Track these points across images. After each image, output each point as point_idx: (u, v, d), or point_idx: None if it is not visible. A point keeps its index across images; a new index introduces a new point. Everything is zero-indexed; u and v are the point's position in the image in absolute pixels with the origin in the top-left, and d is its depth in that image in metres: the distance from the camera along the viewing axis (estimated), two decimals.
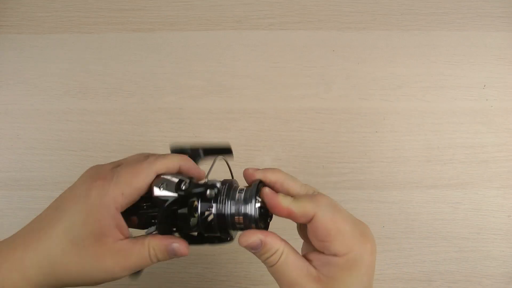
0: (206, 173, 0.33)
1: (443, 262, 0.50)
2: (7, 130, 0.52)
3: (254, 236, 0.30)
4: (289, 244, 0.31)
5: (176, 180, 0.31)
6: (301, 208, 0.30)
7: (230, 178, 0.34)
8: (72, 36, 0.55)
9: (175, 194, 0.30)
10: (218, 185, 0.31)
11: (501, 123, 0.53)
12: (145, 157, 0.32)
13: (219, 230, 0.31)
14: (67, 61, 0.54)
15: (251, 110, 0.53)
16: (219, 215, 0.30)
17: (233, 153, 0.35)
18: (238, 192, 0.31)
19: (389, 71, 0.54)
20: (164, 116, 0.52)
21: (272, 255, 0.30)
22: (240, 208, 0.30)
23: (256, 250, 0.30)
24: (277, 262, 0.30)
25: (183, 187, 0.30)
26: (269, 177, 0.32)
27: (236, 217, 0.30)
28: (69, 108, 0.53)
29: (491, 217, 0.51)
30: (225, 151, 0.35)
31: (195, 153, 0.35)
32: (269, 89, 0.53)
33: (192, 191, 0.31)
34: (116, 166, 0.32)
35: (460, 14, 0.56)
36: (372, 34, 0.55)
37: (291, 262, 0.30)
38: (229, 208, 0.30)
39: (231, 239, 0.33)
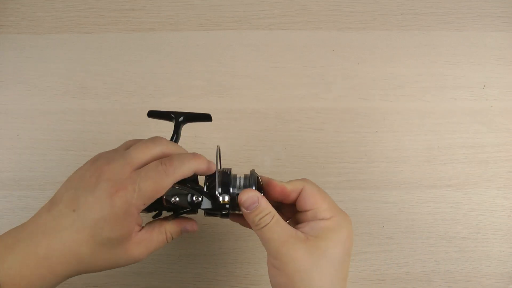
0: (216, 165, 0.37)
1: (443, 262, 0.50)
2: (7, 130, 0.52)
3: (252, 193, 0.34)
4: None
5: (187, 194, 0.35)
6: (292, 185, 0.36)
7: (227, 168, 0.38)
8: (72, 36, 0.55)
9: (186, 206, 0.35)
10: (227, 198, 0.35)
11: (501, 123, 0.53)
12: (164, 166, 0.34)
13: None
14: (67, 61, 0.54)
15: (251, 110, 0.53)
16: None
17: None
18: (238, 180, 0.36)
19: (389, 71, 0.54)
20: None
21: (265, 215, 0.34)
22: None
23: (252, 206, 0.34)
24: (269, 222, 0.33)
25: (195, 201, 0.35)
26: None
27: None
28: (69, 108, 0.53)
29: (491, 217, 0.51)
30: (206, 117, 0.40)
31: (178, 118, 0.40)
32: (269, 89, 0.53)
33: (204, 208, 0.36)
34: (128, 162, 0.34)
35: (460, 14, 0.56)
36: (372, 34, 0.55)
37: (282, 224, 0.34)
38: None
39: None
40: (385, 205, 0.51)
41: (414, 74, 0.54)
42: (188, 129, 0.52)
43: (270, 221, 0.33)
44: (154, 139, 0.36)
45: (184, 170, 0.34)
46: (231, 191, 0.36)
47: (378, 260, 0.50)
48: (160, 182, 0.33)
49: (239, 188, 0.36)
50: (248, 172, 0.38)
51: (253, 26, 0.55)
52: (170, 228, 0.36)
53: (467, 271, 0.50)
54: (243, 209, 0.34)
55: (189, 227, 0.37)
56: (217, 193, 0.35)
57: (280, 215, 0.35)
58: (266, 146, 0.52)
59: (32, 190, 0.51)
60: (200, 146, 0.52)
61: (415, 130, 0.52)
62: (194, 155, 0.36)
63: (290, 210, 0.38)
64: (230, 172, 0.37)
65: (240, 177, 0.37)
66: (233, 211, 0.36)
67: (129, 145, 0.37)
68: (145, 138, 0.52)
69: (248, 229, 0.48)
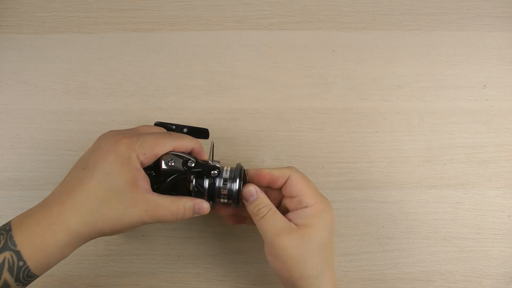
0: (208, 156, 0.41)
1: (443, 262, 0.50)
2: (7, 130, 0.52)
3: (251, 187, 0.39)
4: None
5: (183, 158, 0.38)
6: (279, 172, 0.40)
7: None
8: (72, 36, 0.55)
9: (181, 169, 0.37)
10: (218, 165, 0.39)
11: (501, 123, 0.53)
12: (168, 133, 0.39)
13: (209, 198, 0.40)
14: (67, 61, 0.54)
15: (251, 110, 0.53)
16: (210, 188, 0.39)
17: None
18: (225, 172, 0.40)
19: (389, 71, 0.54)
20: (164, 116, 0.52)
21: (263, 206, 0.38)
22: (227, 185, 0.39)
23: (251, 198, 0.39)
24: (267, 213, 0.38)
25: (190, 165, 0.38)
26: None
27: (222, 190, 0.39)
28: (69, 108, 0.53)
29: (491, 217, 0.51)
30: (203, 132, 0.45)
31: (179, 131, 0.44)
32: (269, 89, 0.54)
33: (195, 169, 0.38)
34: (134, 131, 0.38)
35: (460, 14, 0.56)
36: (372, 34, 0.55)
37: (278, 216, 0.38)
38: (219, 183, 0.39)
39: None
40: (385, 205, 0.51)
41: (414, 74, 0.54)
42: None
43: (267, 213, 0.38)
44: (157, 126, 0.42)
45: (182, 142, 0.38)
46: (217, 181, 0.39)
47: (378, 260, 0.50)
48: (161, 140, 0.37)
49: (225, 179, 0.39)
50: (234, 166, 0.41)
51: (253, 26, 0.55)
52: (184, 201, 0.37)
53: (467, 271, 0.50)
54: (244, 201, 0.40)
55: (202, 208, 0.38)
56: (209, 161, 0.40)
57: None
58: (266, 146, 0.52)
59: (32, 190, 0.51)
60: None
61: (415, 130, 0.52)
62: (193, 138, 0.40)
63: (277, 196, 0.42)
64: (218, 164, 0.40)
65: (226, 169, 0.40)
66: (218, 198, 0.40)
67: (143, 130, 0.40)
68: None
69: (248, 229, 0.48)
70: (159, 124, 0.44)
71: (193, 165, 0.38)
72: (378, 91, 0.53)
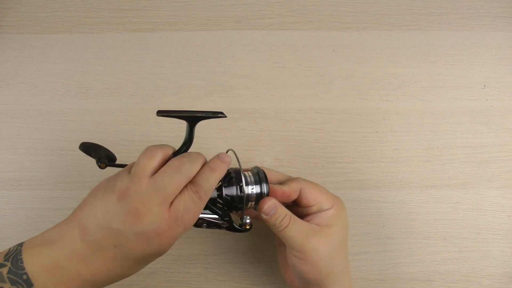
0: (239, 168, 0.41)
1: (443, 262, 0.50)
2: (7, 130, 0.52)
3: (270, 201, 0.39)
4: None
5: (214, 223, 0.39)
6: (289, 187, 0.40)
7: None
8: (72, 36, 0.55)
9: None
10: (248, 221, 0.40)
11: (501, 123, 0.53)
12: (195, 192, 0.35)
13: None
14: (67, 61, 0.54)
15: (251, 110, 0.53)
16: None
17: (213, 120, 0.41)
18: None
19: (389, 71, 0.54)
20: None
21: (284, 218, 0.38)
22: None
23: (271, 211, 0.38)
24: (289, 223, 0.38)
25: (221, 225, 0.40)
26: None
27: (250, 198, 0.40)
28: (69, 108, 0.53)
29: (491, 217, 0.51)
30: (219, 114, 0.39)
31: (191, 120, 0.40)
32: (269, 89, 0.53)
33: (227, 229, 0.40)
34: (167, 200, 0.34)
35: (460, 14, 0.56)
36: (372, 34, 0.55)
37: (299, 222, 0.39)
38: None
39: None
40: (385, 205, 0.51)
41: (414, 74, 0.54)
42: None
43: (289, 221, 0.38)
44: (176, 163, 0.36)
45: (212, 189, 0.36)
46: (246, 190, 0.39)
47: (378, 260, 0.50)
48: (198, 211, 0.36)
49: (251, 183, 0.40)
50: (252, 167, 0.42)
51: (253, 26, 0.55)
52: None
53: (467, 271, 0.50)
54: (263, 216, 0.39)
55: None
56: (244, 220, 0.40)
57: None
58: (266, 146, 0.52)
59: (32, 190, 0.51)
60: (200, 146, 0.52)
61: (415, 130, 0.52)
62: (212, 169, 0.37)
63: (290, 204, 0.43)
64: (241, 173, 0.40)
65: (249, 175, 0.40)
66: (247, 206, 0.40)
67: (154, 158, 0.36)
68: (145, 138, 0.52)
69: None
70: (162, 112, 0.40)
71: (223, 226, 0.39)
72: (378, 91, 0.53)
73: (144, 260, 0.35)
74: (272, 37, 0.55)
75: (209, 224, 0.39)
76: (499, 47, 0.55)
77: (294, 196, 0.40)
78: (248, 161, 0.51)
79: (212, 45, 0.55)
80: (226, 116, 0.39)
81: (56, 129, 0.52)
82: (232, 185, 0.39)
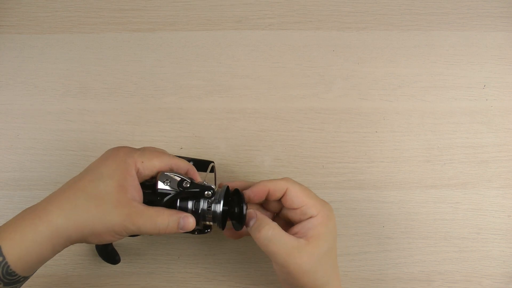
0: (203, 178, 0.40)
1: (443, 262, 0.50)
2: (7, 130, 0.52)
3: (251, 211, 0.39)
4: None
5: (179, 178, 0.38)
6: (275, 185, 0.39)
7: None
8: (72, 36, 0.55)
9: (176, 190, 0.37)
10: (214, 187, 0.38)
11: (501, 123, 0.53)
12: (166, 152, 0.40)
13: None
14: (67, 61, 0.54)
15: (251, 110, 0.53)
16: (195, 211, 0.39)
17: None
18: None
19: (389, 71, 0.54)
20: (164, 116, 0.52)
21: (265, 227, 0.37)
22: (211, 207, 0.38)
23: (251, 221, 0.38)
24: (271, 234, 0.37)
25: (185, 185, 0.37)
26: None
27: (207, 215, 0.38)
28: (69, 108, 0.53)
29: (491, 217, 0.51)
30: (208, 165, 0.43)
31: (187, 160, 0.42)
32: (269, 89, 0.53)
33: (190, 189, 0.37)
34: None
35: (460, 14, 0.56)
36: (372, 34, 0.55)
37: (284, 236, 0.37)
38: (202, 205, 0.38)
39: (209, 230, 0.41)
40: (384, 205, 0.51)
41: (414, 74, 0.54)
42: (188, 129, 0.52)
43: (272, 231, 0.37)
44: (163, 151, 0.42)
45: (180, 163, 0.39)
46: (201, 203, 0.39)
47: (378, 260, 0.50)
48: (161, 155, 0.38)
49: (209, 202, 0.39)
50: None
51: (253, 26, 0.55)
52: (169, 213, 0.36)
53: (467, 271, 0.50)
54: (247, 228, 0.39)
55: (190, 219, 0.37)
56: (204, 182, 0.39)
57: (265, 211, 0.42)
58: (266, 146, 0.52)
59: (32, 190, 0.51)
60: (200, 146, 0.52)
61: (415, 130, 0.52)
62: (190, 163, 0.41)
63: (276, 206, 0.42)
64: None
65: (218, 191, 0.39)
66: (203, 221, 0.39)
67: None
68: (145, 138, 0.52)
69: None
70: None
71: (188, 185, 0.37)
72: (378, 91, 0.53)
73: (96, 177, 0.35)
74: (272, 37, 0.55)
75: (173, 179, 0.37)
76: (499, 47, 0.55)
77: (278, 195, 0.39)
78: (248, 161, 0.51)
79: (212, 45, 0.55)
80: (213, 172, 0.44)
81: (56, 129, 0.52)
82: (200, 200, 0.38)
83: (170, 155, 0.40)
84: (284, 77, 0.54)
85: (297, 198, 0.39)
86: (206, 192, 0.38)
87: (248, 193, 0.40)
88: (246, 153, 0.52)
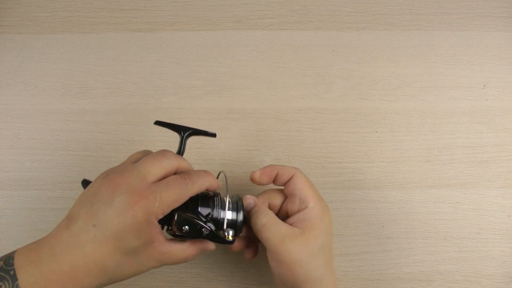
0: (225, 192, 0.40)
1: (443, 262, 0.50)
2: (7, 130, 0.52)
3: (250, 198, 0.41)
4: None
5: (198, 224, 0.36)
6: (284, 169, 0.41)
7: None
8: (72, 36, 0.55)
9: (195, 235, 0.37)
10: (231, 233, 0.38)
11: (501, 123, 0.53)
12: (184, 181, 0.35)
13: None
14: (67, 61, 0.54)
15: (251, 110, 0.53)
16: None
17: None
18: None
19: (389, 71, 0.54)
20: (164, 116, 0.52)
21: (261, 214, 0.39)
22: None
23: (250, 207, 0.40)
24: (266, 221, 0.38)
25: (204, 233, 0.36)
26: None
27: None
28: (69, 108, 0.53)
29: (491, 217, 0.51)
30: (210, 133, 0.42)
31: (184, 132, 0.41)
32: (269, 89, 0.53)
33: (210, 238, 0.37)
34: (143, 180, 0.34)
35: (460, 14, 0.56)
36: (372, 34, 0.55)
37: (279, 222, 0.39)
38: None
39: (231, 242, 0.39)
40: (384, 205, 0.51)
41: (414, 74, 0.54)
42: None
43: (267, 220, 0.38)
44: (164, 153, 0.37)
45: (200, 185, 0.36)
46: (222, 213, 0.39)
47: (378, 260, 0.50)
48: (180, 193, 0.35)
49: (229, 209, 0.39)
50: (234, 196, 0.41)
51: (253, 26, 0.55)
52: (193, 248, 0.37)
53: (467, 271, 0.50)
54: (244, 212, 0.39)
55: (210, 246, 0.39)
56: (224, 232, 0.38)
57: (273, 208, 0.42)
58: (266, 146, 0.52)
59: (32, 190, 0.51)
60: (200, 146, 0.52)
61: (415, 130, 0.52)
62: (206, 172, 0.38)
63: (278, 202, 0.43)
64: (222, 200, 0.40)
65: (229, 202, 0.39)
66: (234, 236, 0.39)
67: (136, 158, 0.37)
68: (145, 138, 0.52)
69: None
70: (159, 123, 0.41)
71: (207, 233, 0.36)
72: (378, 91, 0.53)
73: (122, 243, 0.33)
74: (272, 37, 0.55)
75: (192, 225, 0.36)
76: (499, 47, 0.55)
77: (285, 178, 0.41)
78: (248, 161, 0.51)
79: (212, 45, 0.55)
80: (215, 136, 0.42)
81: (56, 129, 0.52)
82: (208, 207, 0.38)
83: (188, 185, 0.35)
84: (284, 77, 0.54)
85: (299, 184, 0.40)
86: (226, 234, 0.38)
87: (256, 173, 0.41)
88: (246, 153, 0.52)
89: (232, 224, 0.39)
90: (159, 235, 0.34)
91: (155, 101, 0.53)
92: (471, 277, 0.49)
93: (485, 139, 0.52)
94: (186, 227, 0.36)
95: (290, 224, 0.39)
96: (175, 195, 0.34)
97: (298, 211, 0.40)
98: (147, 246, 0.34)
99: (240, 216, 0.39)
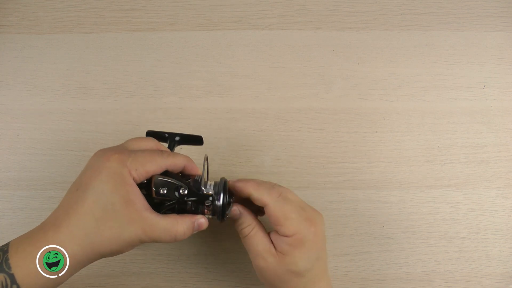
0: (202, 172, 0.39)
1: (443, 262, 0.50)
2: (7, 130, 0.52)
3: (236, 207, 0.40)
4: (261, 224, 0.40)
5: (175, 184, 0.36)
6: (258, 196, 0.38)
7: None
8: (72, 36, 0.55)
9: (174, 197, 0.36)
10: (211, 191, 0.38)
11: (501, 123, 0.53)
12: (159, 151, 0.37)
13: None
14: (67, 61, 0.54)
15: (251, 110, 0.53)
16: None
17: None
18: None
19: (389, 71, 0.54)
20: (164, 116, 0.52)
21: (245, 227, 0.39)
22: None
23: (236, 217, 0.40)
24: (248, 234, 0.39)
25: (182, 193, 0.36)
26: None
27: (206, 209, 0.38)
28: (69, 108, 0.53)
29: (491, 217, 0.51)
30: (197, 140, 0.44)
31: (172, 139, 0.43)
32: (269, 89, 0.54)
33: (189, 198, 0.37)
34: (124, 147, 0.37)
35: (460, 14, 0.56)
36: (372, 34, 0.55)
37: (259, 237, 0.38)
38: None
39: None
40: (385, 205, 0.51)
41: (414, 74, 0.54)
42: (188, 129, 0.52)
43: (249, 233, 0.39)
44: (148, 137, 0.40)
45: (175, 160, 0.37)
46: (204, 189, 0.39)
47: (378, 260, 0.50)
48: (155, 158, 0.36)
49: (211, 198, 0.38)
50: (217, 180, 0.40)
51: (253, 26, 0.55)
52: (182, 222, 0.36)
53: (467, 271, 0.50)
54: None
55: (203, 220, 0.38)
56: (201, 187, 0.38)
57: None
58: (266, 146, 0.52)
59: (32, 190, 0.51)
60: (200, 146, 0.52)
61: (415, 130, 0.52)
62: (186, 156, 0.39)
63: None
64: (201, 179, 0.39)
65: (210, 184, 0.39)
66: (213, 214, 0.39)
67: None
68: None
69: None
70: (150, 133, 0.43)
71: (185, 192, 0.36)
72: (378, 91, 0.53)
73: (99, 197, 0.33)
74: (272, 37, 0.55)
75: (169, 185, 0.36)
76: (499, 47, 0.55)
77: (257, 204, 0.39)
78: (248, 161, 0.52)
79: (212, 45, 0.55)
80: (202, 144, 0.43)
81: (56, 129, 0.52)
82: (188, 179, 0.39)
83: (163, 154, 0.37)
84: (284, 77, 0.54)
85: (272, 218, 0.38)
86: (206, 201, 0.38)
87: (232, 185, 0.40)
88: (246, 153, 0.52)
89: (213, 209, 0.38)
90: (139, 196, 0.34)
91: (155, 101, 0.53)
92: (471, 277, 0.49)
93: (485, 139, 0.52)
94: (164, 190, 0.36)
95: (272, 240, 0.38)
96: (149, 157, 0.36)
97: (281, 235, 0.38)
98: (126, 205, 0.33)
99: (221, 195, 0.38)
